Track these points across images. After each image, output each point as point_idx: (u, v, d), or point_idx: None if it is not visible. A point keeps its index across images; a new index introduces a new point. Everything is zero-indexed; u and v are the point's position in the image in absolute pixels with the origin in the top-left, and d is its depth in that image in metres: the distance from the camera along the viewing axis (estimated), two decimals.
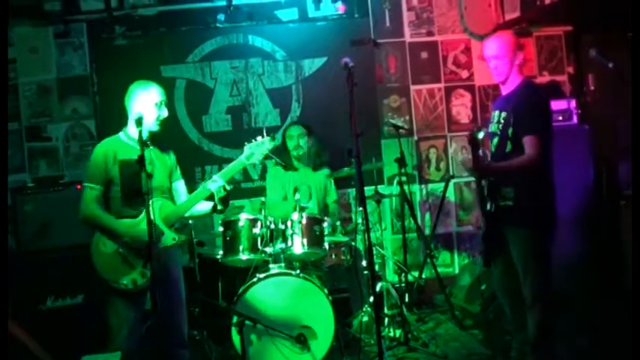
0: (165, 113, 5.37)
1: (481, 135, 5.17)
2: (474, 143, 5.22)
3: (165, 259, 5.24)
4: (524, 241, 5.44)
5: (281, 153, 7.84)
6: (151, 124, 5.28)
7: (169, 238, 5.22)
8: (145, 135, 5.07)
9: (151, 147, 5.37)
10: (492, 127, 5.67)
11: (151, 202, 4.94)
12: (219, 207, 5.50)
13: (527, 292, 5.44)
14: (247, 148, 5.44)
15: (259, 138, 5.54)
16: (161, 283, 5.14)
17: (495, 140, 5.61)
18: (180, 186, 5.69)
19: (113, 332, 5.20)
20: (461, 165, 5.53)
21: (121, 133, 5.39)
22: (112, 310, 5.22)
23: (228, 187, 5.37)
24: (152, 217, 4.92)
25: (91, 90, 8.40)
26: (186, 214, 5.45)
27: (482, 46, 5.82)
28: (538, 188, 5.38)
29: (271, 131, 8.35)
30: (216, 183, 5.35)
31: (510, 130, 5.36)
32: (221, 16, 8.61)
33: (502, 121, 5.49)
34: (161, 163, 5.44)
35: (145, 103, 5.28)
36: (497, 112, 5.62)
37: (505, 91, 5.66)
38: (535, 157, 5.22)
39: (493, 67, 5.60)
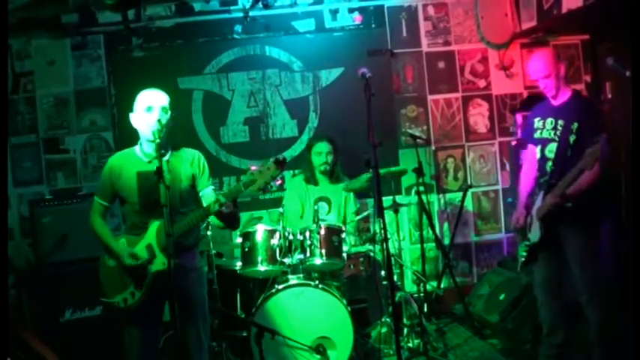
0: (154, 118, 4.96)
1: None
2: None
3: (169, 281, 4.67)
4: (582, 239, 5.67)
5: (298, 163, 7.87)
6: (144, 131, 5.07)
7: (159, 262, 4.99)
8: (150, 148, 5.09)
9: (166, 158, 5.10)
10: (544, 134, 5.89)
11: (150, 223, 5.00)
12: (218, 224, 5.27)
13: (583, 286, 5.66)
14: (249, 174, 4.85)
15: (270, 161, 4.87)
16: (155, 305, 5.18)
17: (553, 146, 5.76)
18: (208, 193, 5.34)
19: (125, 348, 5.18)
20: (537, 212, 5.69)
21: (136, 146, 5.27)
22: (123, 326, 5.19)
23: (222, 200, 4.86)
24: (149, 239, 4.98)
25: (108, 102, 8.43)
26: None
27: (528, 69, 6.07)
28: (593, 189, 5.54)
29: (284, 147, 8.42)
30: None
31: (573, 138, 5.52)
32: (238, 28, 8.61)
33: (560, 128, 5.70)
34: (174, 177, 5.15)
35: (137, 111, 5.11)
36: (550, 120, 5.85)
37: (556, 102, 5.88)
38: (601, 170, 5.41)
39: (543, 86, 5.85)
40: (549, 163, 5.73)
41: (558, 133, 5.70)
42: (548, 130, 5.83)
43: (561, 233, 5.69)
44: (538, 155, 5.91)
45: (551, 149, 5.75)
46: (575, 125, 5.51)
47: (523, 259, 5.92)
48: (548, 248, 5.75)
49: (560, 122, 5.71)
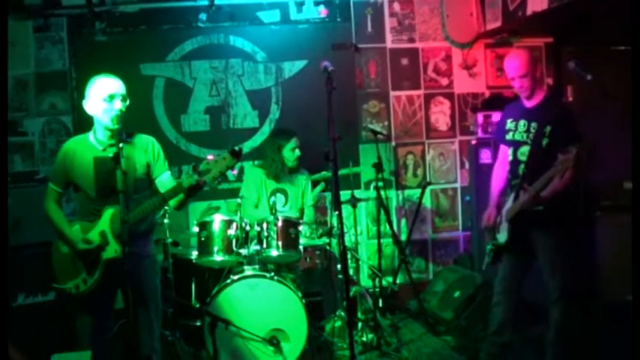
0: (117, 106, 4.94)
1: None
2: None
3: (122, 268, 4.67)
4: (553, 240, 5.69)
5: (258, 154, 7.88)
6: (103, 119, 5.00)
7: (112, 249, 4.96)
8: (104, 135, 5.06)
9: (121, 145, 4.82)
10: (516, 136, 5.89)
11: (104, 210, 4.97)
12: (175, 204, 5.22)
13: (554, 286, 5.66)
14: (204, 164, 4.81)
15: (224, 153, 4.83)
16: (108, 292, 5.15)
17: (525, 149, 5.76)
18: (165, 179, 5.28)
19: (78, 333, 5.15)
20: (506, 214, 5.71)
21: (89, 133, 5.19)
22: (75, 312, 5.16)
23: (194, 175, 4.77)
24: (102, 226, 4.95)
25: (69, 85, 8.37)
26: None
27: (505, 66, 5.97)
28: (567, 191, 5.59)
29: (245, 138, 8.40)
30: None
31: (546, 142, 5.57)
32: (203, 16, 8.57)
33: (532, 131, 5.70)
34: (129, 163, 5.07)
35: (95, 99, 5.00)
36: (523, 122, 5.85)
37: (530, 103, 5.88)
38: (580, 170, 5.48)
39: (519, 86, 5.81)
40: (521, 166, 5.76)
41: (531, 136, 5.71)
42: (520, 132, 5.84)
43: (531, 236, 5.72)
44: (510, 157, 5.94)
45: (524, 152, 5.76)
46: (549, 129, 5.55)
47: (489, 258, 5.96)
48: (514, 250, 5.79)
49: (534, 125, 5.71)
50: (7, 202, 5.75)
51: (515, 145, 5.86)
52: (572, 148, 5.06)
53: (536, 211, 5.53)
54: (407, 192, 9.12)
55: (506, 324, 5.90)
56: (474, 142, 8.88)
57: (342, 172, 7.04)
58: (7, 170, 7.87)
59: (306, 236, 7.00)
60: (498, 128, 6.25)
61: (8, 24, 8.00)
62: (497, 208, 6.02)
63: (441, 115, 9.07)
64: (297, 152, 7.48)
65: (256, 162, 8.09)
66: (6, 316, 4.53)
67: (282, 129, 7.83)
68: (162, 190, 5.12)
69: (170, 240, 7.06)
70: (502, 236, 5.82)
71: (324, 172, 7.20)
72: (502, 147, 6.21)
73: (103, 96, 4.96)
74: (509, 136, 5.97)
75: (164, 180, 5.27)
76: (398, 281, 8.61)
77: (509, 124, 5.99)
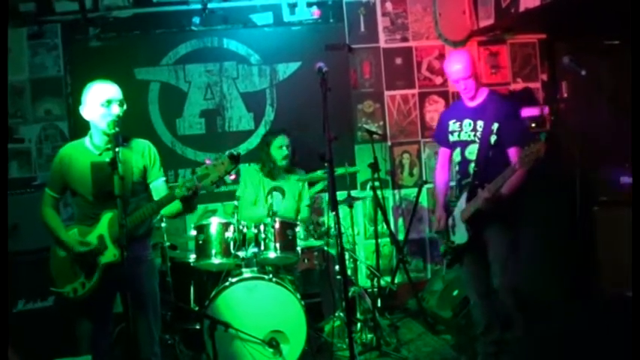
0: (115, 112, 4.96)
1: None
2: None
3: (120, 272, 4.68)
4: (505, 238, 5.68)
5: (254, 156, 7.90)
6: (100, 124, 4.98)
7: (110, 254, 4.96)
8: (101, 140, 5.07)
9: (118, 149, 4.78)
10: (462, 136, 5.88)
11: (102, 214, 4.98)
12: (170, 213, 5.22)
13: (500, 282, 5.68)
14: (203, 168, 4.79)
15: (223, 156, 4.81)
16: (106, 296, 5.14)
17: (474, 147, 5.77)
18: (159, 185, 5.27)
19: (78, 338, 5.15)
20: (461, 214, 5.67)
21: (86, 138, 5.20)
22: (74, 317, 5.16)
23: (188, 185, 4.76)
24: (101, 230, 4.95)
25: (64, 91, 8.39)
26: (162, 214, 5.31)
27: (446, 69, 6.01)
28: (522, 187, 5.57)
29: (240, 140, 8.42)
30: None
31: (494, 139, 5.59)
32: (196, 19, 8.58)
33: (479, 129, 5.69)
34: (126, 168, 5.06)
35: (92, 104, 5.01)
36: (468, 121, 5.84)
37: (473, 102, 5.89)
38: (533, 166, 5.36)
39: (463, 87, 5.82)
40: (472, 165, 5.78)
41: (478, 134, 5.72)
42: (466, 132, 5.84)
43: (486, 233, 5.73)
44: (458, 158, 5.95)
45: (472, 151, 5.79)
46: (496, 125, 5.58)
47: (447, 260, 5.97)
48: (475, 249, 5.80)
49: (480, 123, 5.73)
50: (7, 209, 5.74)
51: (462, 145, 5.88)
52: (539, 139, 5.04)
53: (495, 208, 5.50)
54: (403, 191, 9.12)
55: (491, 322, 5.92)
56: None
57: (338, 171, 7.04)
58: (7, 177, 7.88)
59: (300, 238, 6.99)
60: (439, 131, 6.27)
61: None
62: (446, 210, 6.07)
63: (435, 113, 9.03)
64: (285, 151, 7.52)
65: (252, 164, 8.10)
66: (6, 319, 4.52)
67: (274, 128, 7.89)
68: (155, 197, 5.14)
69: (168, 244, 7.07)
70: (460, 237, 5.83)
71: (319, 172, 7.19)
72: (442, 150, 6.25)
73: (101, 101, 4.97)
74: (453, 137, 5.98)
75: (158, 186, 5.26)
76: (396, 281, 8.62)
77: (452, 125, 5.99)
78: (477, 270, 5.90)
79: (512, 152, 5.60)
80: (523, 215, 5.75)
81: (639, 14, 5.19)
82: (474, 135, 5.75)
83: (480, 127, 5.70)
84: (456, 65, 5.78)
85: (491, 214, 5.53)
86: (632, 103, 5.06)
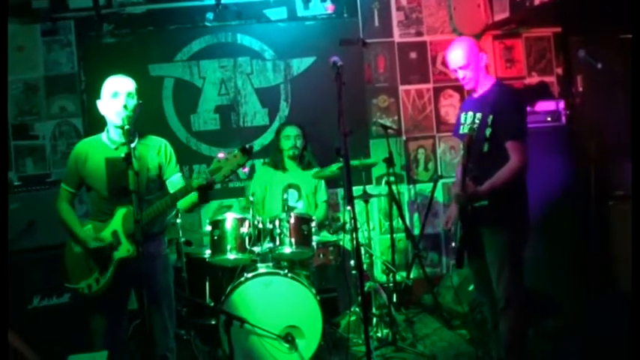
0: (120, 103, 4.95)
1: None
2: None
3: (135, 268, 4.75)
4: (499, 241, 5.45)
5: (269, 151, 7.90)
6: (112, 118, 5.05)
7: (124, 249, 4.97)
8: (116, 135, 5.09)
9: (134, 145, 5.00)
10: (464, 129, 5.65)
11: (116, 210, 4.99)
12: (185, 207, 5.24)
13: (500, 294, 5.45)
14: (215, 162, 4.82)
15: (235, 151, 4.81)
16: (121, 292, 5.15)
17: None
18: (175, 180, 5.31)
19: (92, 334, 5.16)
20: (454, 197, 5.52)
21: (102, 133, 5.23)
22: (89, 313, 5.16)
23: (204, 175, 4.78)
24: (114, 225, 4.97)
25: (78, 88, 8.38)
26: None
27: (445, 59, 5.82)
28: (512, 188, 5.37)
29: (255, 136, 8.42)
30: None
31: (488, 131, 5.29)
32: (210, 15, 8.58)
33: (477, 121, 5.46)
34: (142, 164, 5.12)
35: (103, 98, 5.07)
36: (470, 114, 5.63)
37: (477, 94, 5.69)
38: (524, 162, 5.27)
39: (462, 77, 5.64)
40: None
41: (475, 126, 5.42)
42: (468, 124, 5.61)
43: (482, 235, 5.52)
44: (462, 152, 5.59)
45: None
46: (491, 118, 5.27)
47: (454, 261, 5.88)
48: (472, 250, 5.57)
49: (478, 115, 5.48)
50: (7, 209, 5.75)
51: (464, 138, 5.53)
52: None
53: (481, 207, 5.37)
54: (418, 186, 9.10)
55: (499, 320, 5.70)
56: None
57: (353, 163, 7.00)
58: (7, 177, 7.90)
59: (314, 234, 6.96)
60: (456, 125, 6.02)
61: (16, 28, 8.05)
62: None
63: (451, 108, 9.04)
64: (292, 141, 7.59)
65: (267, 160, 8.10)
66: (6, 319, 4.52)
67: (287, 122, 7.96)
68: (172, 191, 5.12)
69: (183, 239, 7.09)
70: (457, 237, 5.66)
71: (333, 166, 7.14)
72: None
73: (109, 93, 5.02)
74: (461, 130, 5.74)
75: (175, 181, 5.28)
76: (412, 276, 8.61)
77: (463, 117, 5.78)
78: (479, 270, 5.75)
79: (509, 147, 5.32)
80: (523, 215, 5.51)
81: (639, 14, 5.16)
82: (472, 127, 5.44)
83: (478, 119, 5.46)
84: (453, 53, 5.62)
85: (483, 215, 5.38)
86: (632, 103, 5.01)
